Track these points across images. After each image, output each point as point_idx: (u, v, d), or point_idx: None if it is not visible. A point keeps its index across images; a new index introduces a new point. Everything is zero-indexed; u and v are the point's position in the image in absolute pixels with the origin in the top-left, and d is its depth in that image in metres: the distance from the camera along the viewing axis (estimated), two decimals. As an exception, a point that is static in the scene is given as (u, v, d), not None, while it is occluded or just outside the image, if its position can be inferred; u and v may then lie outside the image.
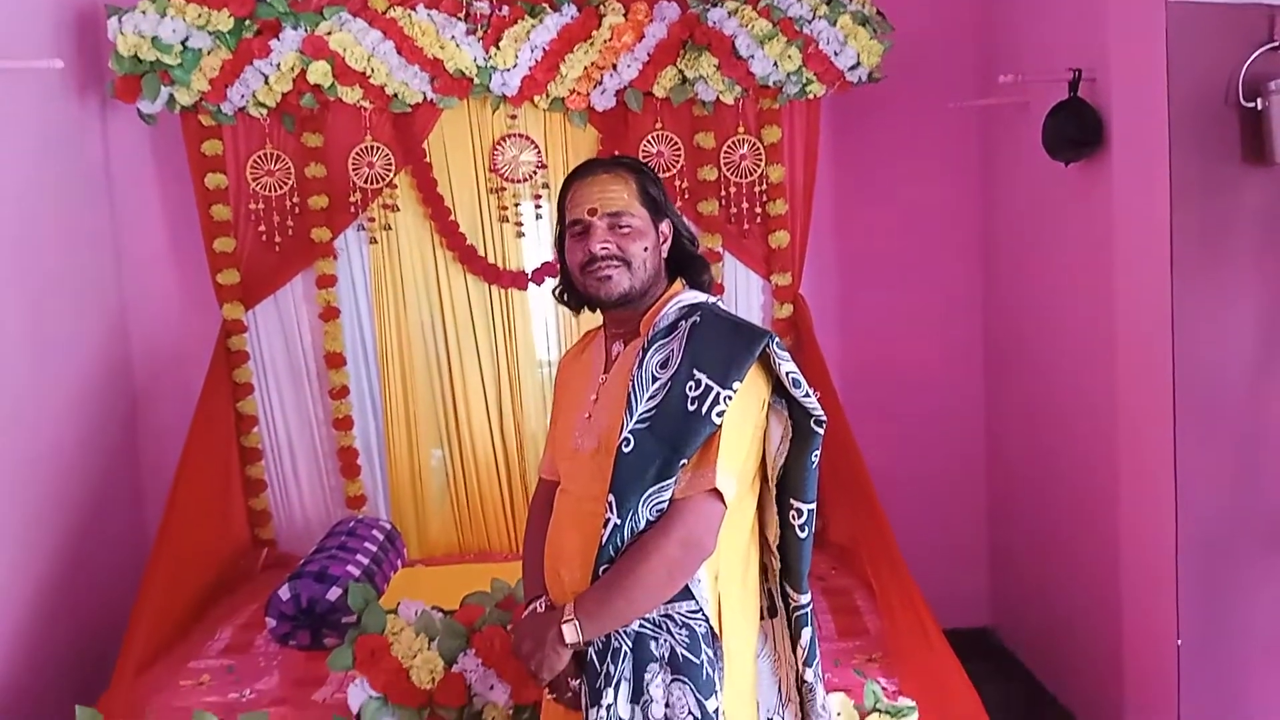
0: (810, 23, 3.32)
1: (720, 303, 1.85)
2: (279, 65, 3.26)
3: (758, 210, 3.57)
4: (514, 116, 3.50)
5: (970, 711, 2.36)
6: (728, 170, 3.55)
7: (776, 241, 3.57)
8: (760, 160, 3.53)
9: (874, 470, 3.21)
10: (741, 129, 3.53)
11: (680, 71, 3.40)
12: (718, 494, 1.65)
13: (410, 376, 3.59)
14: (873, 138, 3.84)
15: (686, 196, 3.55)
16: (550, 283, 3.46)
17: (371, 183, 3.48)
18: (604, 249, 1.77)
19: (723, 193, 3.56)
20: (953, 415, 3.99)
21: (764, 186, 3.55)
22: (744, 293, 3.64)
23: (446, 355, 3.59)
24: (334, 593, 2.75)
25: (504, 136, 3.52)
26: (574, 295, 1.89)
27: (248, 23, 3.26)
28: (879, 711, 2.31)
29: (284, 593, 2.74)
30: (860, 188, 3.89)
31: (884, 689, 2.37)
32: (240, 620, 3.00)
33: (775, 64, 3.33)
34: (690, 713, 1.65)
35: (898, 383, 3.94)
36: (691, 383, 1.66)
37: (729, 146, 3.54)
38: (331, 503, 3.62)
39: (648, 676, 1.66)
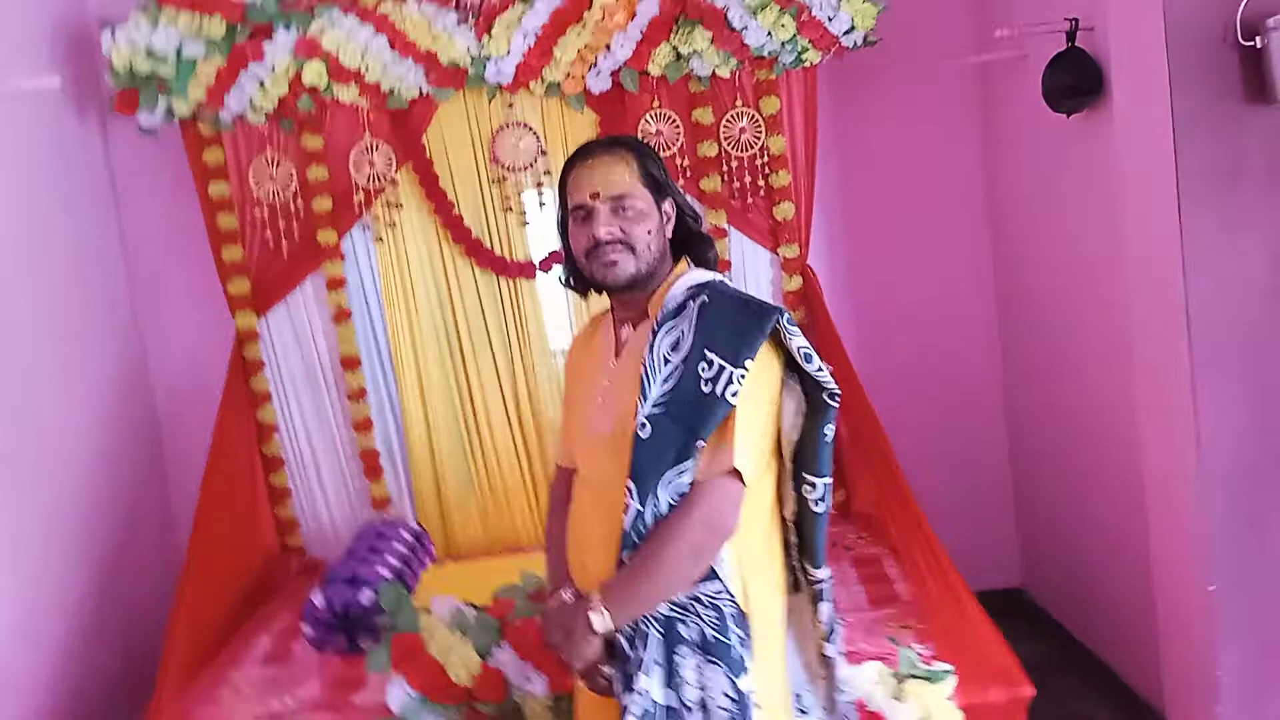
0: (802, -11, 3.31)
1: (727, 279, 1.85)
2: (273, 68, 3.27)
3: (760, 183, 3.56)
4: (511, 105, 3.50)
5: (1007, 671, 2.37)
6: (728, 145, 3.54)
7: (781, 214, 3.56)
8: (760, 133, 3.52)
9: (894, 436, 3.22)
10: (739, 102, 3.52)
11: (674, 48, 3.38)
12: (737, 473, 1.66)
13: (425, 374, 3.61)
14: (872, 102, 3.83)
15: (688, 174, 3.55)
16: (558, 270, 3.46)
17: (374, 181, 3.49)
18: (608, 234, 1.76)
19: (724, 167, 3.55)
20: (970, 375, 3.99)
21: (765, 159, 3.54)
22: (752, 267, 3.63)
23: (460, 349, 3.61)
24: (366, 595, 2.77)
25: (503, 125, 3.52)
26: (580, 280, 1.89)
27: (240, 28, 3.27)
28: (916, 677, 2.32)
29: (317, 599, 2.77)
30: (862, 153, 3.88)
31: (919, 655, 2.38)
32: (277, 628, 3.03)
33: (769, 34, 3.32)
34: (724, 694, 1.66)
35: (913, 347, 3.94)
36: (704, 363, 1.66)
37: (728, 120, 3.53)
38: (356, 505, 3.65)
39: (678, 659, 1.68)
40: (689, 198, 2.04)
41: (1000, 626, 2.50)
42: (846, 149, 3.85)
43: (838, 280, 3.83)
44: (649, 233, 1.78)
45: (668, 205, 1.84)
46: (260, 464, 3.57)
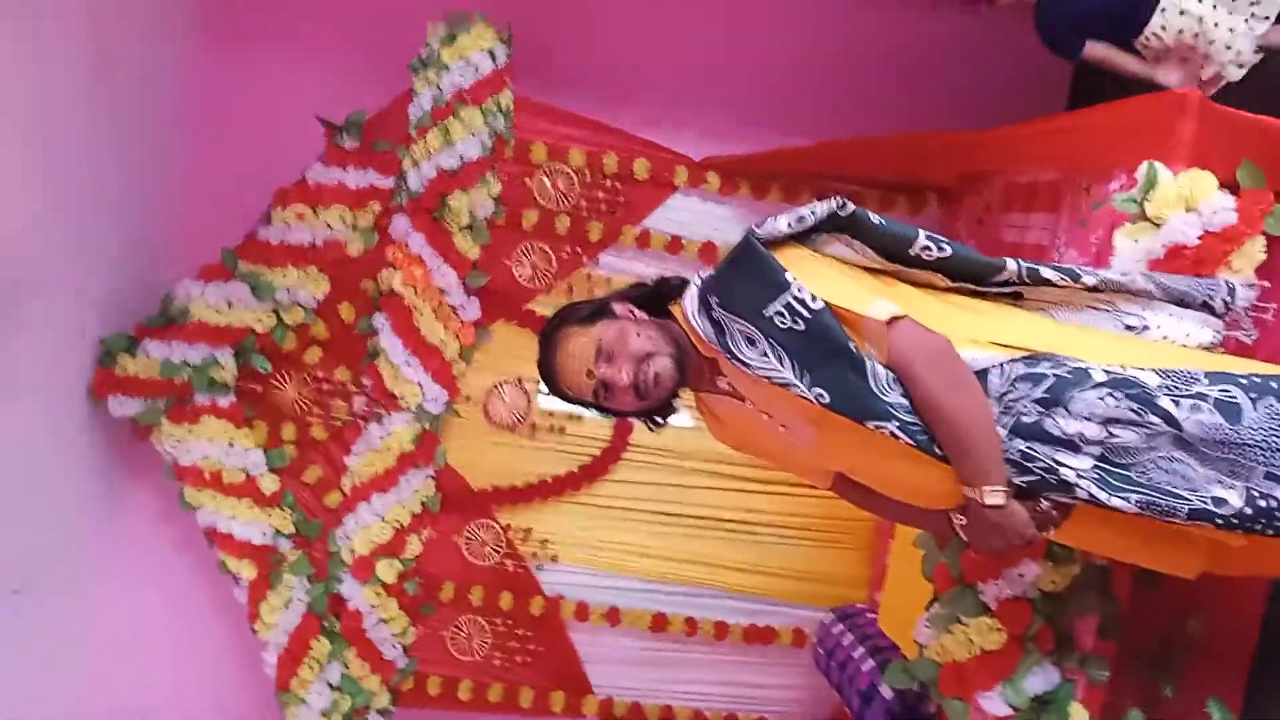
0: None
1: (698, 274, 1.85)
2: None
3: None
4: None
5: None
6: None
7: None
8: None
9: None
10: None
11: None
12: (893, 319, 1.67)
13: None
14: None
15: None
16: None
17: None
18: (629, 376, 1.80)
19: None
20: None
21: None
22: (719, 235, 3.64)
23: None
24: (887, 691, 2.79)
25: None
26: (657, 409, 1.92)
27: None
28: None
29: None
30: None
31: None
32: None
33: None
34: (1101, 401, 1.65)
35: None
36: (778, 317, 1.67)
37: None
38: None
39: (1049, 426, 1.67)
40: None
41: None
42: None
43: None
44: (641, 350, 1.80)
45: (620, 309, 1.87)
46: None
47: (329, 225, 3.43)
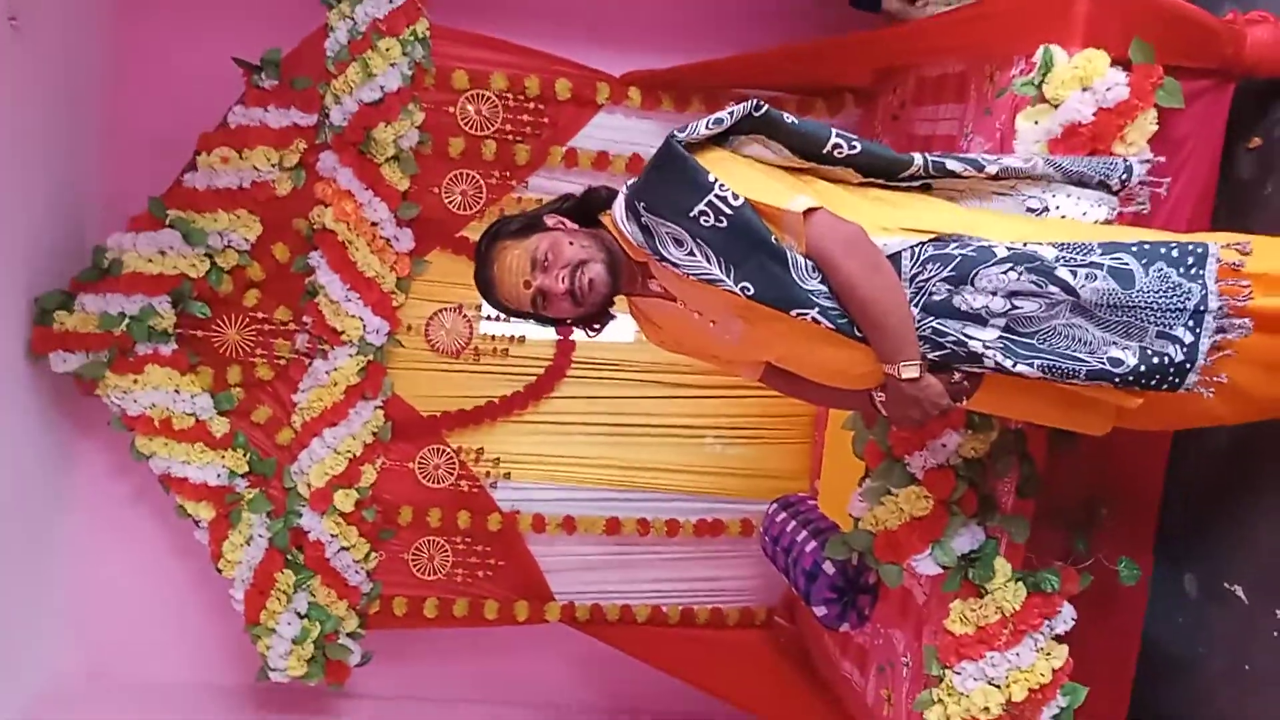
0: None
1: (624, 185, 1.92)
2: None
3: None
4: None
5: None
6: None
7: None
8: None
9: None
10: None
11: None
12: (810, 211, 1.78)
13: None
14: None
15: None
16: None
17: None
18: (563, 287, 1.89)
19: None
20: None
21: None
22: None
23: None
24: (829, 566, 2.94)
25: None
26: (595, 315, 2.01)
27: None
28: None
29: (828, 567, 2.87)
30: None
31: None
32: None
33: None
34: (1004, 276, 1.77)
35: None
36: (702, 217, 1.76)
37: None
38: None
39: (957, 302, 1.79)
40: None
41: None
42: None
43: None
44: (574, 257, 1.89)
45: (552, 222, 1.95)
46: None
47: (255, 167, 3.43)
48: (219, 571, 3.52)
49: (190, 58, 3.59)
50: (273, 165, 3.44)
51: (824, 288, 1.78)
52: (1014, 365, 1.78)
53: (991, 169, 1.98)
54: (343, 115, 3.39)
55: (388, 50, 3.33)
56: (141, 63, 3.63)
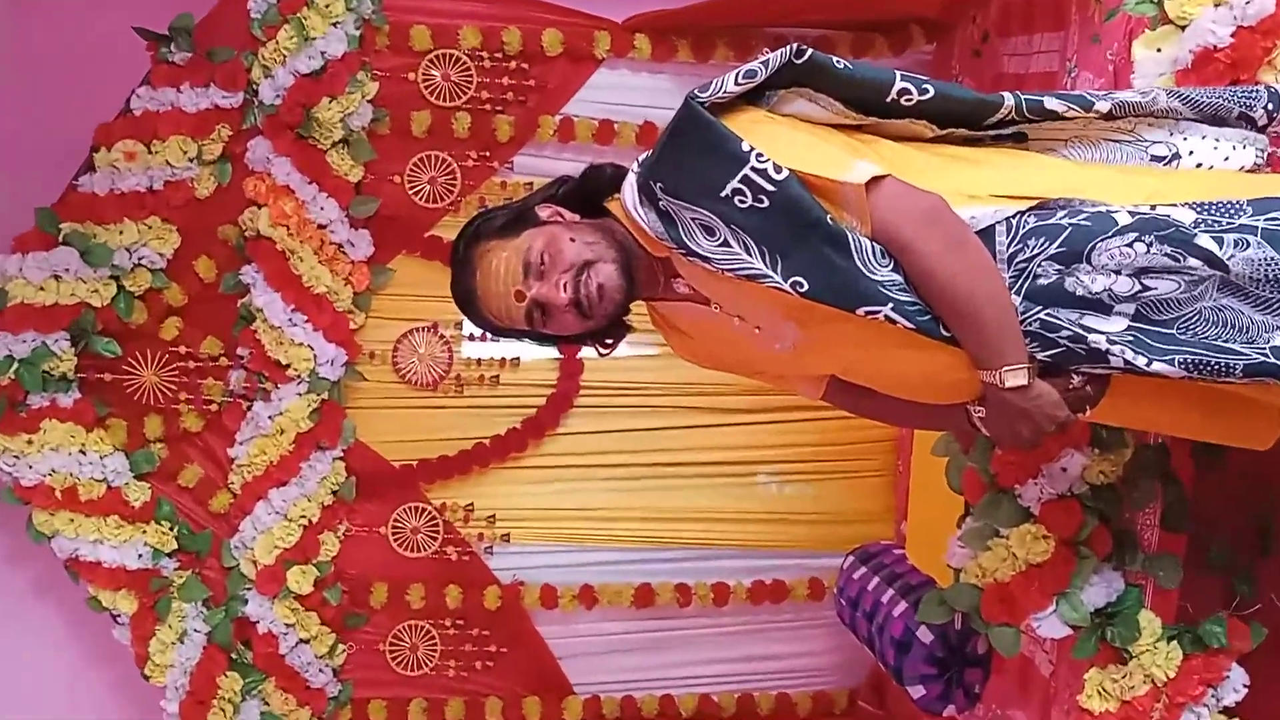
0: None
1: (635, 161, 1.90)
2: None
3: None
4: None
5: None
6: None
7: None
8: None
9: None
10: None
11: None
12: (874, 180, 1.76)
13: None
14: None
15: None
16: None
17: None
18: (568, 297, 1.87)
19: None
20: None
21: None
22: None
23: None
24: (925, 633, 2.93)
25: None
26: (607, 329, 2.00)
27: None
28: None
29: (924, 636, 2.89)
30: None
31: None
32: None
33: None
34: (1129, 249, 1.75)
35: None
36: (736, 196, 1.75)
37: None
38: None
39: (1071, 286, 1.78)
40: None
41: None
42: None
43: None
44: (578, 257, 1.87)
45: (546, 213, 1.95)
46: None
47: (168, 163, 3.46)
48: (146, 678, 3.53)
49: (81, 32, 3.57)
50: (190, 159, 3.47)
51: (898, 277, 1.77)
52: (1149, 363, 1.76)
53: (1103, 105, 1.96)
54: (275, 91, 3.42)
55: (328, 7, 3.36)
56: (18, 40, 3.62)
